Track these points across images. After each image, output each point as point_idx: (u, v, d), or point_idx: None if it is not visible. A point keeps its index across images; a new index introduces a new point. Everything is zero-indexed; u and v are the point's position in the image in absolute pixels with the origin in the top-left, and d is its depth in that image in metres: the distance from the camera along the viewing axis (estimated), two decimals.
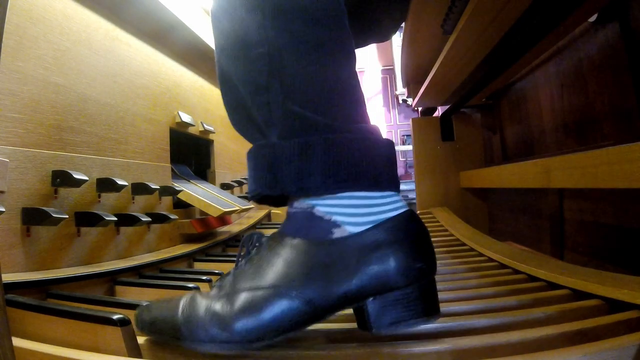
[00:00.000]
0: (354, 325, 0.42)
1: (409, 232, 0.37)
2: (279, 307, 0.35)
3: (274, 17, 0.39)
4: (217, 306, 0.36)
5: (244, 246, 0.41)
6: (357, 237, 0.36)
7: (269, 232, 0.42)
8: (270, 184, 0.39)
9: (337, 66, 0.40)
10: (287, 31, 0.39)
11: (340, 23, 0.41)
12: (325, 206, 0.37)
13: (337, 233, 0.37)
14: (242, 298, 0.35)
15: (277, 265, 0.37)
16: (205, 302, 0.37)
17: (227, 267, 0.80)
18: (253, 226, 1.31)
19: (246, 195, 1.40)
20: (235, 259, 0.42)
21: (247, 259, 0.40)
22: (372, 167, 0.38)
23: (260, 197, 0.41)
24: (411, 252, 0.36)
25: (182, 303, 0.38)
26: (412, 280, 0.36)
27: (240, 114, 0.44)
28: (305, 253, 0.36)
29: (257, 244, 0.41)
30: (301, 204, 0.39)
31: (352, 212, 0.37)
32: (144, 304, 0.42)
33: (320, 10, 0.39)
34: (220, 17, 0.44)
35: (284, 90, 0.38)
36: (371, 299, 0.36)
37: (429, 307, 0.37)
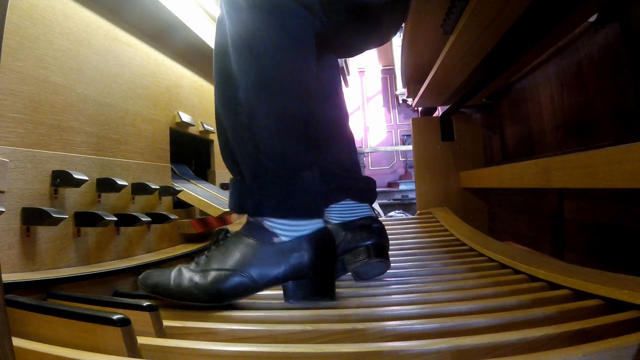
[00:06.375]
0: (355, 325, 0.43)
1: (317, 243, 0.56)
2: (234, 281, 0.54)
3: (255, 87, 0.55)
4: (196, 278, 0.55)
5: (215, 236, 0.60)
6: (286, 243, 0.56)
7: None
8: (239, 209, 0.60)
9: (295, 124, 0.57)
10: (264, 99, 0.55)
11: (305, 92, 0.57)
12: (271, 223, 0.57)
13: (276, 240, 0.56)
14: (213, 274, 0.55)
15: (236, 255, 0.56)
16: (189, 274, 0.56)
17: None
18: None
19: None
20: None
21: (217, 246, 0.58)
22: (301, 202, 0.57)
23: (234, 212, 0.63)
24: (315, 255, 0.56)
25: (172, 274, 0.56)
26: (316, 273, 0.56)
27: (228, 152, 0.61)
28: (254, 249, 0.56)
29: (224, 237, 0.59)
30: (256, 218, 0.58)
31: (286, 229, 0.57)
32: (144, 272, 0.59)
33: (289, 84, 0.56)
34: (218, 75, 0.60)
35: (255, 144, 0.56)
36: (291, 281, 0.56)
37: (326, 290, 0.58)
